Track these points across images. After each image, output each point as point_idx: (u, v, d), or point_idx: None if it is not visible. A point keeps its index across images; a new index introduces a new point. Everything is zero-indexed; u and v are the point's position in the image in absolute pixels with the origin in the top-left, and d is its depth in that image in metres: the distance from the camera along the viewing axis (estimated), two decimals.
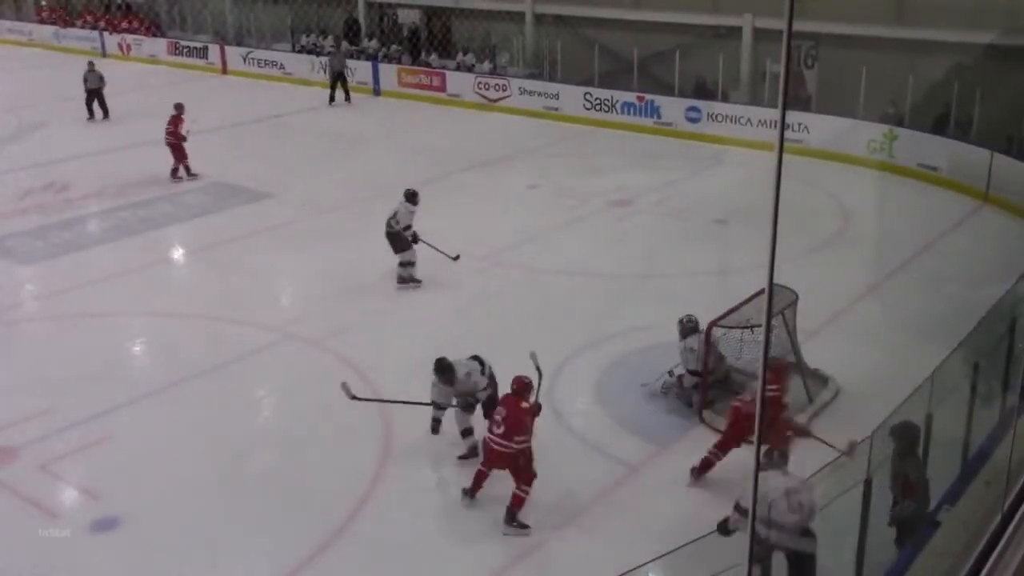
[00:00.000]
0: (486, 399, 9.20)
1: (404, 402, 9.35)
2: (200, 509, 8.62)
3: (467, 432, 9.26)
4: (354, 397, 9.09)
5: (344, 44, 28.08)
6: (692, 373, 10.15)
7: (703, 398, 9.97)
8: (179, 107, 18.15)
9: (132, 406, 10.35)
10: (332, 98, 25.39)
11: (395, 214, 13.10)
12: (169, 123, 18.04)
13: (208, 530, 8.35)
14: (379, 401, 9.61)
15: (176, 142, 18.06)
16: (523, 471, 8.31)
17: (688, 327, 10.18)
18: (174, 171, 18.19)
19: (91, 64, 23.68)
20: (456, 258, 13.64)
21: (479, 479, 8.57)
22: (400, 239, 13.04)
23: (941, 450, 8.01)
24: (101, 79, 23.23)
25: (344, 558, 8.01)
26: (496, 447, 8.31)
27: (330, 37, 28.56)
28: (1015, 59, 18.12)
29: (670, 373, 10.39)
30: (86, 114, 23.13)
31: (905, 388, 7.76)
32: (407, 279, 13.16)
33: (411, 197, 13.22)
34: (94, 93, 23.22)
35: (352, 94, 25.78)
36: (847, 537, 6.86)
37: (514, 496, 8.26)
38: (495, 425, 8.35)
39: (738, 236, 14.79)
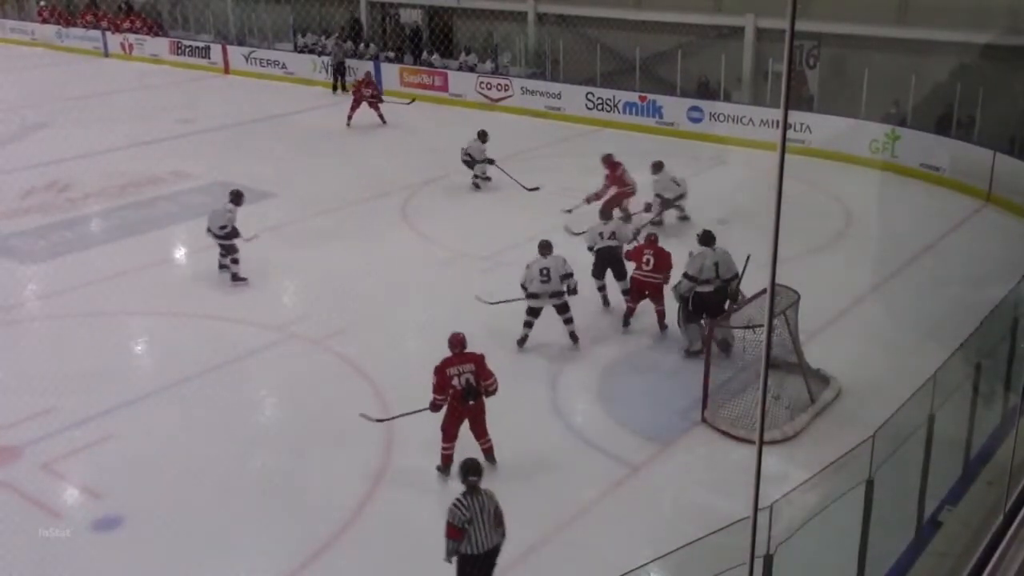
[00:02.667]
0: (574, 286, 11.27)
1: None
2: (202, 508, 8.63)
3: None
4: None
5: (348, 44, 28.16)
6: (687, 277, 11.05)
7: (704, 398, 9.97)
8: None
9: (134, 405, 10.36)
10: (335, 88, 26.63)
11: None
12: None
13: (210, 529, 8.35)
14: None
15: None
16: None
17: (704, 238, 11.30)
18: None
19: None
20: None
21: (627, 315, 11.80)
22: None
23: (943, 450, 8.00)
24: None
25: (345, 557, 8.02)
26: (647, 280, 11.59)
27: (333, 36, 28.60)
28: (1018, 59, 18.09)
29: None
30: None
31: (907, 388, 7.75)
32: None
33: (235, 198, 13.49)
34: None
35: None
36: (848, 537, 6.85)
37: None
38: (644, 264, 11.63)
39: (740, 236, 14.77)
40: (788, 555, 5.74)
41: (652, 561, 6.17)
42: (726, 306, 10.76)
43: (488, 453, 9.03)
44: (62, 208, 16.75)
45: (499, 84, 24.90)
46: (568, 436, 9.82)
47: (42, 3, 37.78)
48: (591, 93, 23.33)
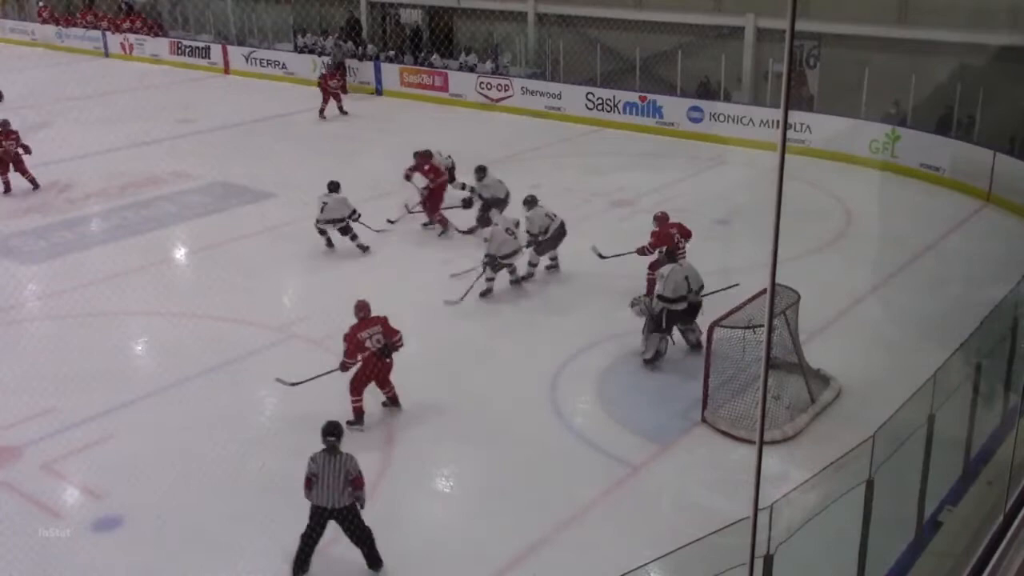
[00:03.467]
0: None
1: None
2: (202, 508, 8.63)
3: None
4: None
5: (348, 44, 28.19)
6: (659, 298, 10.93)
7: (704, 398, 9.97)
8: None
9: (134, 406, 10.36)
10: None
11: None
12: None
13: (210, 529, 8.35)
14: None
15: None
16: None
17: (662, 259, 11.47)
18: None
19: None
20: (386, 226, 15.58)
21: None
22: None
23: (943, 450, 8.00)
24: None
25: (347, 555, 8.01)
26: None
27: (332, 36, 28.64)
28: (1018, 59, 18.08)
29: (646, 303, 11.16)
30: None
31: (907, 388, 7.75)
32: None
33: (336, 187, 14.47)
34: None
35: (355, 94, 25.78)
36: (849, 537, 6.85)
37: None
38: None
39: (740, 236, 14.78)
40: (788, 555, 5.73)
41: (652, 561, 6.15)
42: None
43: (394, 400, 10.14)
44: (62, 208, 16.74)
45: (499, 84, 24.90)
46: (568, 436, 9.82)
47: (41, 3, 37.75)
48: (591, 93, 23.33)
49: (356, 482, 7.63)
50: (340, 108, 24.06)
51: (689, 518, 8.22)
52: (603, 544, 8.11)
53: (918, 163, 18.32)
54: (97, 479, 9.05)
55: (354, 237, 14.54)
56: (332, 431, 7.68)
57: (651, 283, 11.83)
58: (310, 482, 7.61)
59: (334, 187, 14.51)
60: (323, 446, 7.64)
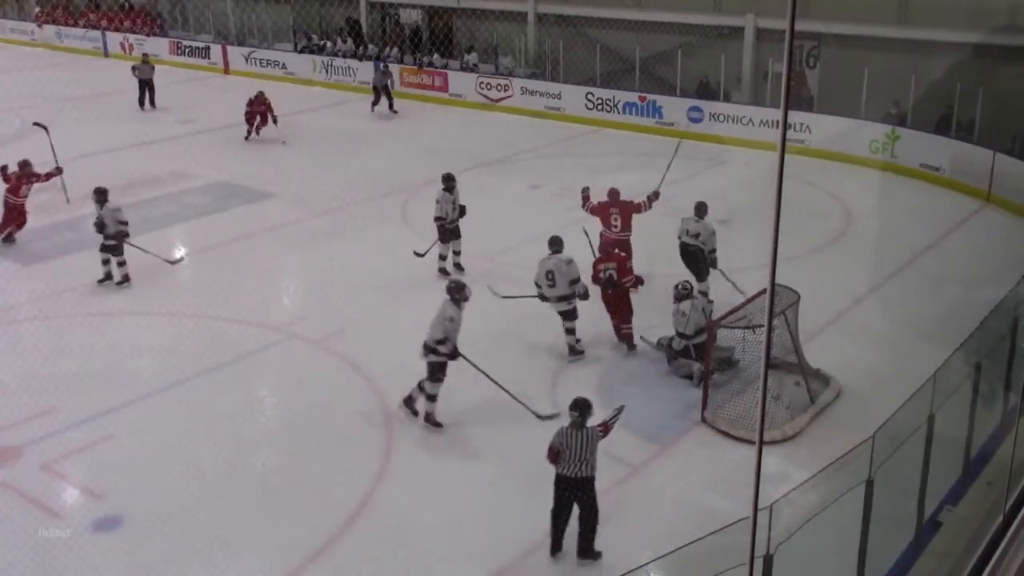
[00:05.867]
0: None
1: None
2: (202, 508, 8.62)
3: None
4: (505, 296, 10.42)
5: (384, 64, 26.44)
6: (680, 336, 10.69)
7: (704, 398, 9.97)
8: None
9: (134, 406, 10.36)
10: (374, 104, 24.49)
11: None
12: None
13: (210, 529, 8.34)
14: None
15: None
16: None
17: (681, 293, 10.73)
18: None
19: (145, 56, 25.35)
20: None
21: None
22: None
23: (943, 450, 8.01)
24: (152, 69, 25.10)
25: (347, 556, 8.02)
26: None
27: (380, 65, 26.38)
28: (1018, 59, 18.11)
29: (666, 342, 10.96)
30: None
31: (907, 388, 7.75)
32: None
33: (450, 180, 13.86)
34: (145, 84, 24.73)
35: (355, 94, 25.73)
36: (848, 537, 6.85)
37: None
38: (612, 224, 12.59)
39: (740, 236, 14.78)
40: (788, 555, 5.74)
41: (652, 561, 6.17)
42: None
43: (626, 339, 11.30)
44: (62, 208, 16.73)
45: (499, 84, 24.91)
46: None
47: (38, 9, 37.71)
48: (591, 93, 23.34)
49: (604, 431, 7.96)
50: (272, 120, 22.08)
51: (689, 518, 8.23)
52: (603, 544, 8.10)
53: (918, 163, 18.33)
54: (97, 479, 9.04)
55: None
56: (577, 406, 7.84)
57: (596, 276, 11.48)
58: (558, 454, 7.79)
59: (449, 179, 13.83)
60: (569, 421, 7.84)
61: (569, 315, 11.26)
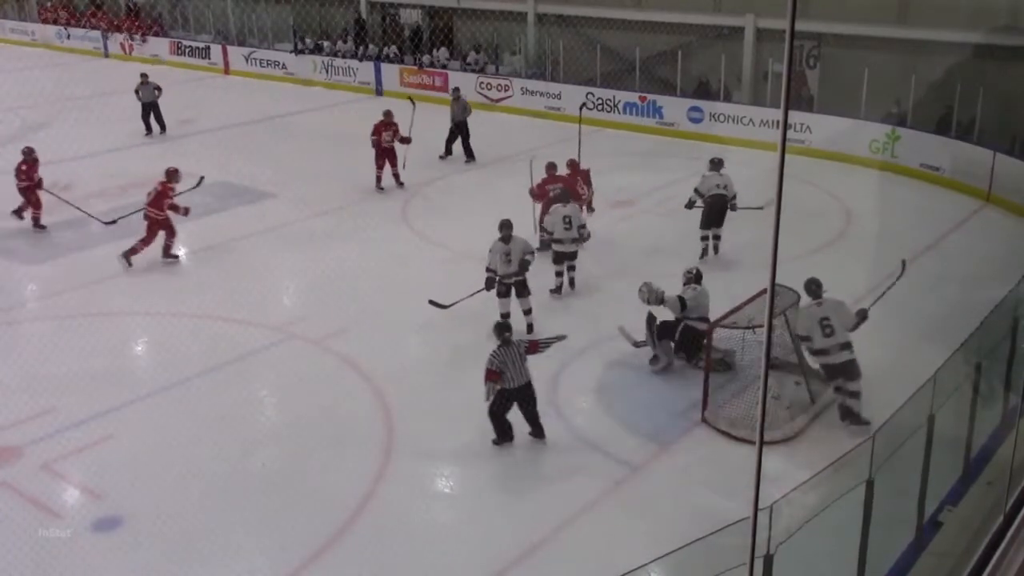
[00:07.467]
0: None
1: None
2: (203, 508, 8.63)
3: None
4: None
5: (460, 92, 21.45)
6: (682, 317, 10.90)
7: (704, 398, 9.97)
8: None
9: (134, 405, 10.37)
10: (449, 145, 20.56)
11: None
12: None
13: (210, 529, 8.35)
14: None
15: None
16: None
17: (689, 276, 11.18)
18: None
19: (144, 76, 22.68)
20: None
21: None
22: None
23: (943, 451, 8.00)
24: (155, 91, 22.40)
25: (347, 557, 8.02)
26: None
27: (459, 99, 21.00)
28: (1018, 59, 18.11)
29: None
30: (143, 129, 22.46)
31: (907, 388, 7.74)
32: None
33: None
34: (150, 107, 22.49)
35: (354, 94, 25.66)
36: (849, 537, 6.85)
37: None
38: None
39: (739, 236, 14.78)
40: (788, 555, 5.73)
41: (652, 561, 6.15)
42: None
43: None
44: (62, 208, 16.73)
45: (499, 84, 24.91)
46: (568, 436, 9.81)
47: (49, 2, 37.69)
48: (591, 93, 23.33)
49: (531, 348, 9.43)
50: (396, 177, 18.35)
51: (689, 518, 8.22)
52: (603, 544, 8.11)
53: (918, 163, 18.33)
54: (97, 479, 9.04)
55: None
56: (505, 328, 9.54)
57: (543, 192, 14.18)
58: (498, 374, 9.06)
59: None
60: (499, 342, 9.22)
61: (575, 256, 13.11)
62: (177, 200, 14.50)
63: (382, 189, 18.00)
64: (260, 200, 17.43)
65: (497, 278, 11.71)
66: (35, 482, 9.00)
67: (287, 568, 7.86)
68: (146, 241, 14.29)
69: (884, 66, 19.40)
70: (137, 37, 33.26)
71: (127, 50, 33.38)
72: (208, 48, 31.30)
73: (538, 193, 14.65)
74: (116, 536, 8.29)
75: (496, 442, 9.50)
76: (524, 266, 11.78)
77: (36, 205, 15.99)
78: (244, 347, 11.68)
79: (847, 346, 9.66)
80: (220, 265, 14.57)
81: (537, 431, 9.57)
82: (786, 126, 3.89)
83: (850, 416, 9.61)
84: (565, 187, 14.37)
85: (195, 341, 11.85)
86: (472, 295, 10.78)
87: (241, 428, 10.00)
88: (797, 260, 12.78)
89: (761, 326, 9.35)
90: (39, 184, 15.85)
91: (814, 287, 10.01)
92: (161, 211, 14.37)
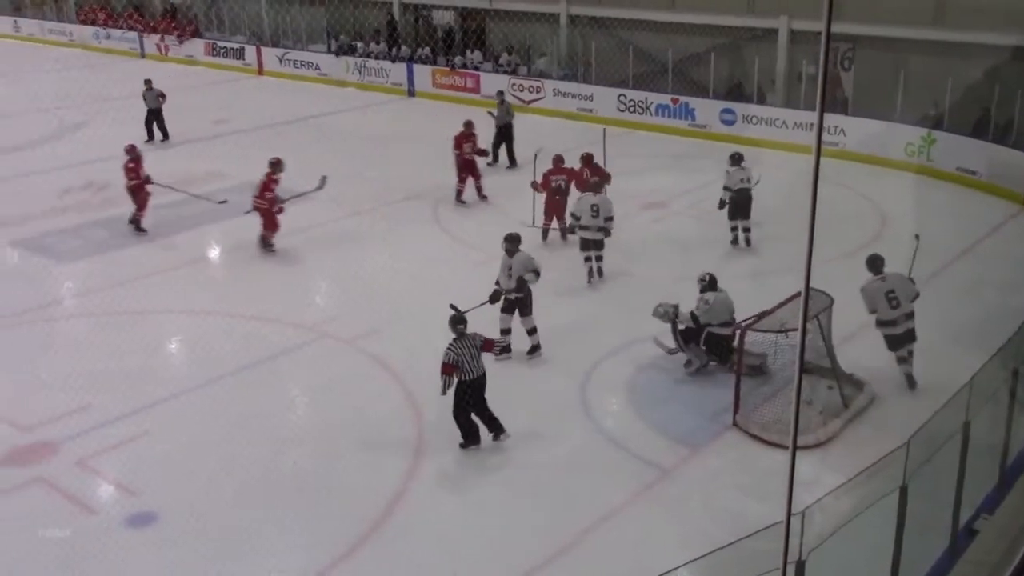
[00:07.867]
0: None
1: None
2: (235, 505, 8.71)
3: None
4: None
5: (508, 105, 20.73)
6: (703, 324, 10.77)
7: (736, 402, 9.91)
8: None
9: (169, 403, 10.48)
10: (495, 150, 20.07)
11: None
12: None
13: (242, 526, 8.42)
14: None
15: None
16: None
17: (703, 284, 10.95)
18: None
19: (148, 83, 22.36)
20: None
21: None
22: None
23: (979, 457, 7.90)
24: (159, 98, 22.27)
25: (378, 555, 8.06)
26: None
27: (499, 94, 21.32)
28: None
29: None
30: (144, 135, 22.15)
31: (942, 394, 7.67)
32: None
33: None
34: (153, 114, 22.17)
35: (387, 95, 25.69)
36: (882, 544, 6.79)
37: None
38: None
39: (773, 239, 14.70)
40: (820, 561, 5.70)
41: (683, 565, 6.13)
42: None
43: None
44: (98, 207, 16.94)
45: (531, 86, 24.91)
46: (598, 437, 9.81)
47: (87, 4, 38.08)
48: (623, 95, 23.29)
49: (486, 346, 9.46)
50: (479, 190, 17.65)
51: (719, 522, 8.19)
52: (632, 547, 8.09)
53: (954, 166, 18.12)
54: (131, 476, 9.15)
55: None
56: (460, 320, 9.43)
57: (546, 183, 14.84)
58: (455, 367, 9.12)
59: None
60: (454, 335, 9.25)
61: (601, 244, 13.34)
62: (278, 194, 15.06)
63: (463, 203, 17.28)
64: (293, 200, 17.51)
65: (503, 292, 11.30)
66: (70, 478, 9.12)
67: (318, 566, 7.91)
68: (267, 227, 14.96)
69: (920, 68, 19.20)
70: (173, 38, 33.66)
71: (163, 51, 33.71)
72: (243, 49, 31.55)
73: (541, 184, 15.03)
74: (150, 532, 8.38)
75: (463, 445, 9.49)
76: (521, 284, 11.21)
77: (141, 205, 15.75)
78: (276, 346, 11.77)
79: (911, 315, 10.43)
80: (253, 265, 14.68)
81: (495, 428, 9.52)
82: (821, 129, 3.85)
83: (908, 379, 10.50)
84: (568, 178, 15.05)
85: (228, 340, 11.95)
86: (477, 307, 10.51)
87: (273, 427, 10.07)
88: (831, 264, 12.67)
89: (794, 330, 9.29)
90: (148, 180, 15.75)
91: (878, 263, 10.57)
92: (263, 200, 14.87)
